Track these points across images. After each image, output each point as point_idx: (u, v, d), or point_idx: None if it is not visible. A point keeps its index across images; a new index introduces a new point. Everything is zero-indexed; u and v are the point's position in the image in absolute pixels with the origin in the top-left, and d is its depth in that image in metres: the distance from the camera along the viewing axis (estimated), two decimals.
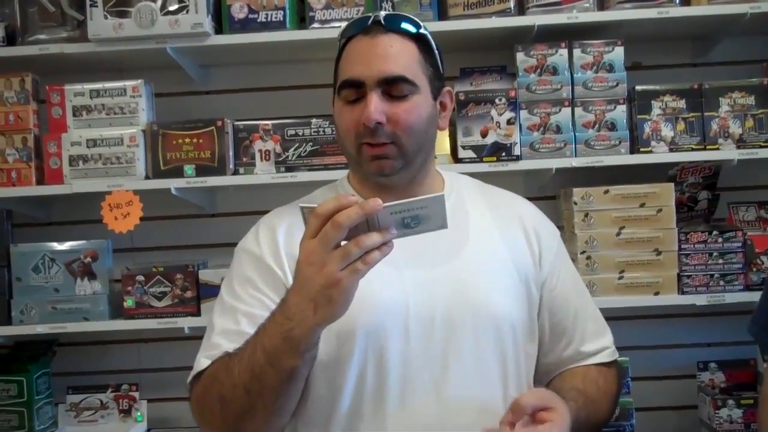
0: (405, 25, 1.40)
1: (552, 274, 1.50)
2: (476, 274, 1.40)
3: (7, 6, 2.45)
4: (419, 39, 1.41)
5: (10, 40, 2.42)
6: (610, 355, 1.54)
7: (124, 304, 2.36)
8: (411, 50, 1.39)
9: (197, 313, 2.34)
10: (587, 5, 2.26)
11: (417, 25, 1.42)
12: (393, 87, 1.36)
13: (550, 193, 2.41)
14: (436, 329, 1.36)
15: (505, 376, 1.40)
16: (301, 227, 1.18)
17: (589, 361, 1.51)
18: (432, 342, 1.35)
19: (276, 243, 1.41)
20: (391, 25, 1.40)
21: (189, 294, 2.35)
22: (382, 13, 1.41)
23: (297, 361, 1.20)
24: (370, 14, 1.41)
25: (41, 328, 2.36)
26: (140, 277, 2.36)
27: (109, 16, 2.32)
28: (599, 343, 1.53)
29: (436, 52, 1.45)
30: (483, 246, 1.44)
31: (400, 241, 1.30)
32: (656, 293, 2.24)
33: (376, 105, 1.34)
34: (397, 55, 1.37)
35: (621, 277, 2.24)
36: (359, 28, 1.41)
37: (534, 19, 2.25)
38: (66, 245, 2.41)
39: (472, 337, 1.37)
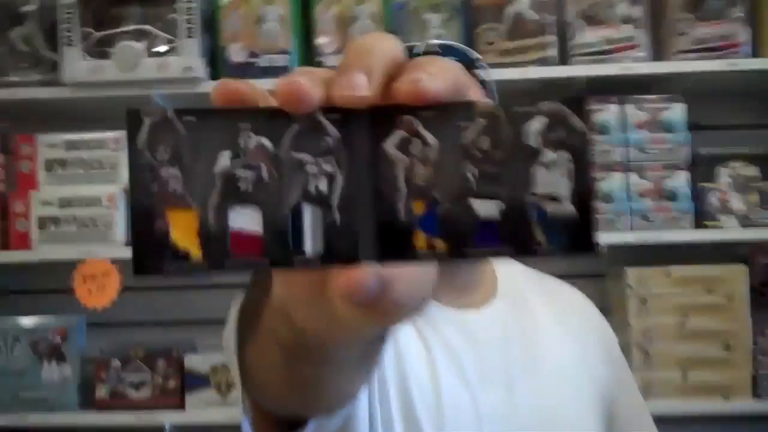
0: (458, 56, 1.12)
1: (622, 392, 1.21)
2: (557, 399, 1.11)
3: None
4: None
5: None
6: None
7: (96, 393, 2.03)
8: None
9: (181, 407, 2.01)
10: (642, 54, 1.94)
11: (475, 61, 1.13)
12: None
13: (595, 271, 2.07)
14: None
15: None
16: None
17: None
18: None
19: None
20: (448, 56, 1.09)
21: (172, 384, 2.01)
22: (436, 41, 1.13)
23: None
24: (418, 43, 1.11)
25: None
26: (116, 362, 2.03)
27: (87, 56, 2.01)
28: None
29: (495, 93, 1.16)
30: (559, 363, 1.13)
31: (470, 355, 1.04)
32: (726, 397, 1.90)
33: None
34: None
35: (684, 377, 1.91)
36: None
37: (580, 70, 1.95)
38: (32, 321, 2.09)
39: None
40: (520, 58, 1.97)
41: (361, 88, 0.40)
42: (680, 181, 1.95)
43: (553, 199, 0.40)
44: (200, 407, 1.99)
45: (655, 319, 1.93)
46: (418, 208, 0.40)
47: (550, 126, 0.40)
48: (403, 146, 0.40)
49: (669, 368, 1.91)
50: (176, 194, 0.40)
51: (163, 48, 2.03)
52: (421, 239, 0.40)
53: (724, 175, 1.96)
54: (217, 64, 2.07)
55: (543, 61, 1.96)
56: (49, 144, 2.10)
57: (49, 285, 2.21)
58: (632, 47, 1.95)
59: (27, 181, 2.10)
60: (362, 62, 0.41)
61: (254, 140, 0.40)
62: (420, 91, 0.40)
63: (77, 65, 2.02)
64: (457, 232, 0.40)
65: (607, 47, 1.95)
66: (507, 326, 1.12)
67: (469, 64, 1.12)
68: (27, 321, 2.10)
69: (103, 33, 2.05)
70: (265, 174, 0.40)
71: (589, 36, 1.96)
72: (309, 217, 0.40)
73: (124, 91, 2.04)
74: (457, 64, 0.43)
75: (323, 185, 0.40)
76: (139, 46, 2.02)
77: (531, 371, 1.09)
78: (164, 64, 2.01)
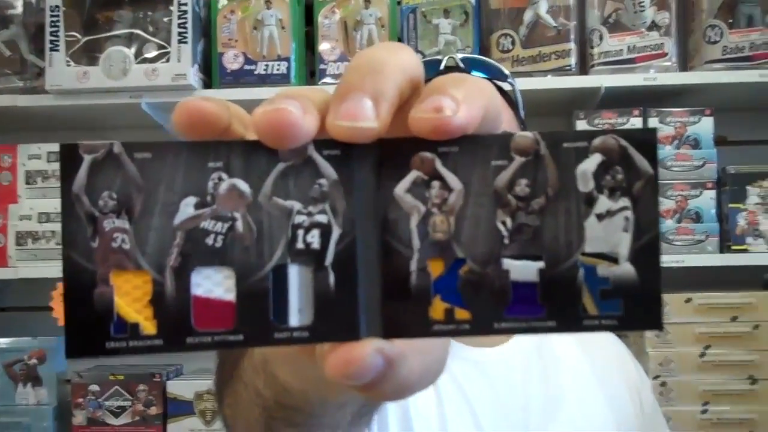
0: (486, 71, 1.10)
1: None
2: None
3: None
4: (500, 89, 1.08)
5: None
6: None
7: (74, 419, 1.88)
8: None
9: None
10: (668, 64, 1.82)
11: (501, 74, 1.10)
12: None
13: None
14: None
15: None
16: None
17: None
18: None
19: None
20: (472, 70, 1.07)
21: (154, 410, 1.87)
22: (459, 55, 1.10)
23: None
24: (441, 57, 1.10)
25: None
26: (94, 387, 1.89)
27: (72, 62, 1.89)
28: None
29: (521, 110, 1.11)
30: (583, 408, 1.03)
31: (484, 396, 0.95)
32: None
33: None
34: None
35: (705, 411, 1.77)
36: (431, 72, 1.06)
37: (600, 80, 1.81)
38: (7, 342, 1.95)
39: None
40: (538, 67, 1.85)
41: (366, 116, 0.30)
42: (706, 200, 1.82)
43: (609, 258, 0.32)
44: None
45: (675, 349, 1.79)
46: (436, 268, 0.33)
47: (607, 166, 0.32)
48: (419, 191, 0.32)
49: (689, 401, 1.77)
50: (124, 252, 0.31)
51: (152, 54, 1.90)
52: (438, 308, 0.33)
53: (753, 195, 1.82)
54: (211, 71, 1.95)
55: (561, 71, 1.84)
56: (31, 155, 1.98)
57: (27, 304, 2.08)
58: (658, 56, 1.83)
59: (7, 193, 1.97)
60: (368, 82, 0.31)
61: (227, 183, 0.32)
62: (442, 122, 0.30)
63: (61, 71, 1.89)
64: (485, 299, 0.32)
65: (630, 56, 1.84)
66: (528, 366, 1.02)
67: (495, 80, 1.07)
68: (2, 341, 1.96)
69: (90, 37, 1.92)
70: (240, 226, 0.32)
71: (611, 43, 1.83)
72: (296, 279, 0.32)
73: (111, 100, 1.90)
74: (489, 84, 0.33)
75: (315, 239, 0.32)
76: (128, 51, 1.90)
77: (551, 416, 0.99)
78: (154, 71, 1.88)
